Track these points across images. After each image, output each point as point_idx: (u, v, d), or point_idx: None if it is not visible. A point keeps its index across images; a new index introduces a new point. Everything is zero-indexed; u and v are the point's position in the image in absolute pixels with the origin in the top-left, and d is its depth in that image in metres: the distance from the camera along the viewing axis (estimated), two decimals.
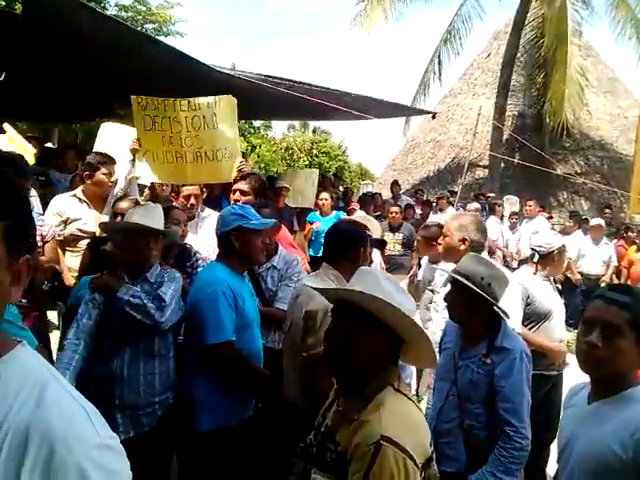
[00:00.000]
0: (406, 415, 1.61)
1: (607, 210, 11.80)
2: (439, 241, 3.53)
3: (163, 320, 2.67)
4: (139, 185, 4.75)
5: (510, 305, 3.05)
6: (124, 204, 3.75)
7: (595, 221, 9.21)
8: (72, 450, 0.85)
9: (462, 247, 3.28)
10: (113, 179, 4.51)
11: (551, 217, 12.26)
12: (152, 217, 2.87)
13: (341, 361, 1.64)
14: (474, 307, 2.58)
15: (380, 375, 1.65)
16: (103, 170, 4.48)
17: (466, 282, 2.55)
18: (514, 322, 3.12)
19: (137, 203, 3.76)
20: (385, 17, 14.55)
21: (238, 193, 4.03)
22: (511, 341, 2.58)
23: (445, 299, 2.83)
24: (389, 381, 1.66)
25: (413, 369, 4.02)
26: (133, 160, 4.34)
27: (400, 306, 1.59)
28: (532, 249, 3.96)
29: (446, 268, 3.06)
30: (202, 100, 4.38)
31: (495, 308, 2.57)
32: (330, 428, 1.73)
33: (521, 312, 3.43)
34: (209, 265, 3.12)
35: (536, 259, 3.87)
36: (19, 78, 6.72)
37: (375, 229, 5.33)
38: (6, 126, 6.52)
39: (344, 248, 2.81)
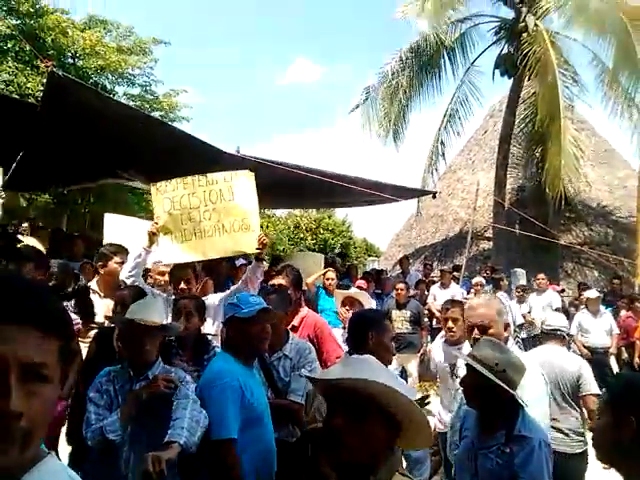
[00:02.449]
0: None
1: (615, 280, 11.76)
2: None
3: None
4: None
5: (536, 395, 2.98)
6: (124, 292, 3.76)
7: (591, 293, 9.14)
8: None
9: (506, 334, 3.19)
10: None
11: (563, 290, 12.22)
12: (148, 311, 2.83)
13: (345, 452, 1.61)
14: (490, 393, 2.51)
15: (386, 462, 1.63)
16: (116, 259, 4.56)
17: (479, 367, 2.50)
18: (542, 414, 3.03)
19: (141, 291, 3.76)
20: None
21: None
22: (530, 429, 2.49)
23: (461, 384, 2.78)
24: (396, 467, 1.67)
25: (428, 465, 3.87)
26: (150, 244, 4.38)
27: (401, 390, 1.61)
28: (558, 330, 4.38)
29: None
30: (219, 175, 4.56)
31: (516, 396, 2.50)
32: None
33: (547, 402, 3.30)
34: (218, 355, 3.07)
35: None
36: (32, 156, 6.99)
37: (366, 302, 5.39)
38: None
39: (357, 337, 2.85)
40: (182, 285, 4.29)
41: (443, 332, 4.77)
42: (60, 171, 8.35)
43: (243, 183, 4.56)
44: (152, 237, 4.39)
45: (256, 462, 2.72)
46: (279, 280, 4.20)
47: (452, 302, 4.65)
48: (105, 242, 5.41)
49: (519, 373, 2.55)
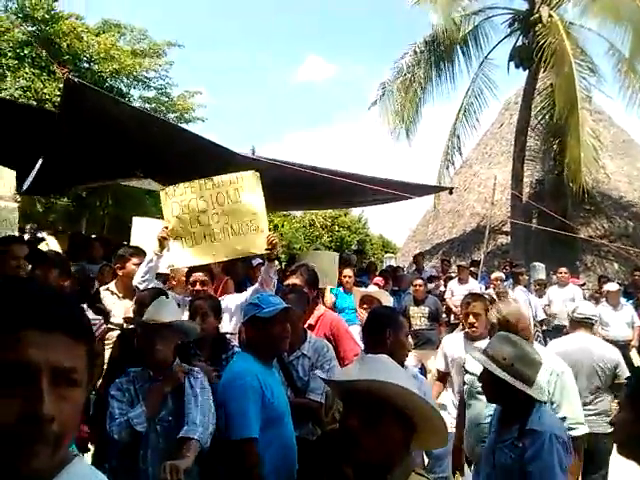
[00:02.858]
0: None
1: (636, 272, 11.58)
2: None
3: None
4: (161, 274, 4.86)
5: (570, 392, 2.98)
6: (144, 293, 3.82)
7: (611, 286, 9.01)
8: None
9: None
10: None
11: (584, 284, 12.10)
12: (158, 311, 2.87)
13: (361, 453, 1.61)
14: (501, 388, 2.53)
15: (401, 463, 1.63)
16: (134, 260, 4.66)
17: (484, 362, 2.55)
18: (575, 411, 3.01)
19: (160, 292, 3.80)
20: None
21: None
22: (541, 423, 2.48)
23: (479, 379, 2.79)
24: (412, 467, 1.65)
25: (449, 462, 3.84)
26: (161, 249, 4.42)
27: (416, 391, 1.60)
28: (588, 318, 4.57)
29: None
30: (225, 177, 4.57)
31: (524, 390, 2.48)
32: None
33: (580, 403, 3.28)
34: (238, 356, 3.09)
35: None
36: (50, 161, 7.08)
37: (385, 300, 5.38)
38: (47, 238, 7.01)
39: (375, 336, 2.86)
40: (197, 286, 4.35)
41: (461, 326, 4.67)
42: (77, 174, 8.46)
43: (249, 184, 4.57)
44: (163, 242, 4.41)
45: (277, 461, 2.73)
46: (293, 280, 4.20)
47: (473, 296, 4.46)
48: (131, 244, 5.55)
49: (531, 367, 2.53)
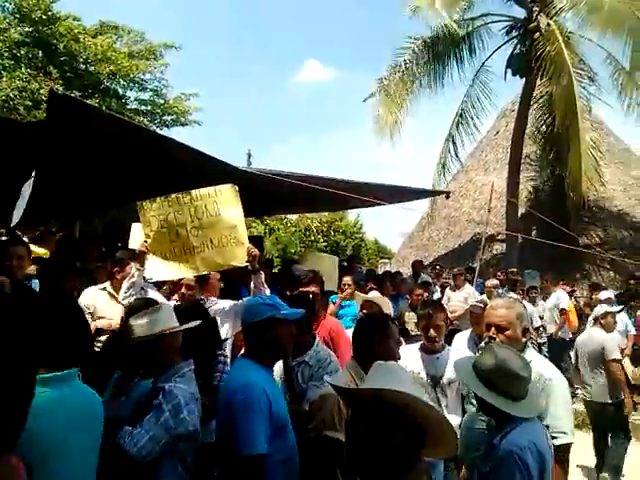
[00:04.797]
0: None
1: (631, 281, 11.59)
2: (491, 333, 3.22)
3: (134, 452, 2.48)
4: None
5: (557, 399, 2.93)
6: (135, 303, 3.79)
7: (603, 294, 8.81)
8: None
9: (524, 339, 3.11)
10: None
11: (574, 291, 12.10)
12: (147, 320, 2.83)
13: (370, 463, 1.56)
14: (480, 398, 2.51)
15: (412, 473, 1.59)
16: (132, 264, 4.63)
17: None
18: (560, 418, 2.92)
19: (150, 301, 3.75)
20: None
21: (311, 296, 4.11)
22: (507, 439, 2.38)
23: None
24: (420, 477, 1.64)
25: (442, 469, 3.76)
26: (142, 264, 4.40)
27: (426, 399, 1.59)
28: (595, 313, 6.56)
29: None
30: (203, 191, 4.55)
31: (491, 402, 2.44)
32: None
33: (569, 412, 3.21)
34: (241, 364, 2.89)
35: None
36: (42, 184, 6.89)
37: (385, 307, 5.35)
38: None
39: (362, 342, 2.91)
40: (183, 289, 4.34)
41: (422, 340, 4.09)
42: (69, 201, 8.24)
43: (228, 197, 4.56)
44: (143, 256, 4.40)
45: (283, 468, 2.67)
46: (312, 288, 4.21)
47: (434, 308, 4.05)
48: (129, 247, 5.57)
49: (510, 380, 2.46)
